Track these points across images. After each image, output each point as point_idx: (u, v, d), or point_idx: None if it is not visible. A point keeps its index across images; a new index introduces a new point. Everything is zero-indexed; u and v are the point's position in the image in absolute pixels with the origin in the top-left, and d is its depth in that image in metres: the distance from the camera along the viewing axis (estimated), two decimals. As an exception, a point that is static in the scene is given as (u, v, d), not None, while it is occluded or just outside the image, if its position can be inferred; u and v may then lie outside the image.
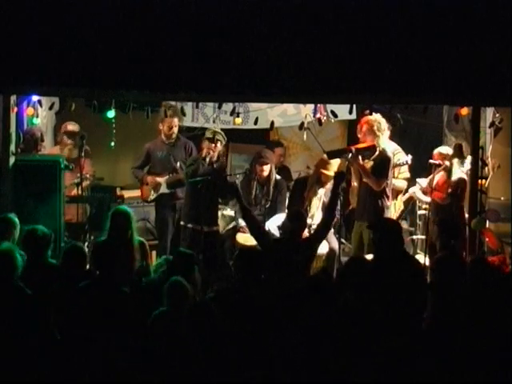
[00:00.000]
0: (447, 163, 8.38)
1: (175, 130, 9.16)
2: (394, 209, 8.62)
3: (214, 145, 8.52)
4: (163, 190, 9.10)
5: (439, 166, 8.34)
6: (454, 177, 8.41)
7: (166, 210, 9.05)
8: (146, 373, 5.27)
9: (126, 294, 5.83)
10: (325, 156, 8.36)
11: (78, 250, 6.26)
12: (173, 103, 9.14)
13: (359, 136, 8.20)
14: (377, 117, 8.12)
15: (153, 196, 9.17)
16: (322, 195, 8.47)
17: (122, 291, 5.83)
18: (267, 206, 8.52)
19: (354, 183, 8.33)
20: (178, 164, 9.03)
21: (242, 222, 8.32)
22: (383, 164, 8.00)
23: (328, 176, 8.28)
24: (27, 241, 6.42)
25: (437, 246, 7.75)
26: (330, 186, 8.41)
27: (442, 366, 5.36)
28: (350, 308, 5.52)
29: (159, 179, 9.08)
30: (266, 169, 8.67)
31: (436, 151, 8.54)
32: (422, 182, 8.66)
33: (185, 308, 5.45)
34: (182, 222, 8.66)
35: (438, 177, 8.45)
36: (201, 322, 5.28)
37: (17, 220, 6.86)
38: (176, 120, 9.16)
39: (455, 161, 8.49)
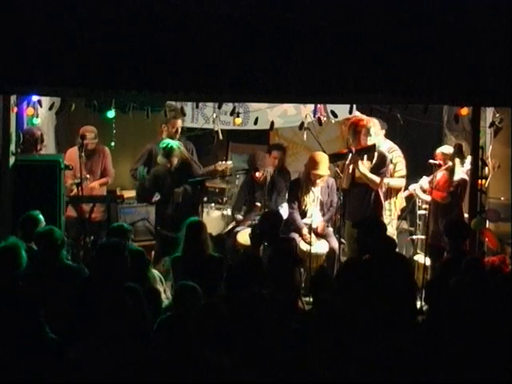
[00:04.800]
0: (450, 163, 8.37)
1: (179, 131, 9.19)
2: (394, 207, 8.64)
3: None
4: None
5: (439, 165, 8.33)
6: (456, 177, 8.40)
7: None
8: (146, 373, 5.26)
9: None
10: (313, 155, 8.42)
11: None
12: (173, 104, 9.13)
13: (348, 137, 8.30)
14: (365, 120, 8.19)
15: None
16: (318, 194, 8.50)
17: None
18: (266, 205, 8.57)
19: (343, 185, 8.25)
20: None
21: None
22: (382, 163, 8.14)
23: (318, 175, 8.34)
24: (43, 241, 6.26)
25: (441, 245, 7.81)
26: (324, 184, 8.46)
27: (442, 366, 5.36)
28: (348, 308, 5.53)
29: None
30: (259, 174, 8.77)
31: (438, 151, 8.51)
32: (423, 180, 8.66)
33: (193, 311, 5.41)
34: None
35: (439, 176, 8.45)
36: (208, 323, 5.26)
37: (41, 217, 6.80)
38: (180, 121, 9.18)
39: (457, 161, 8.49)
